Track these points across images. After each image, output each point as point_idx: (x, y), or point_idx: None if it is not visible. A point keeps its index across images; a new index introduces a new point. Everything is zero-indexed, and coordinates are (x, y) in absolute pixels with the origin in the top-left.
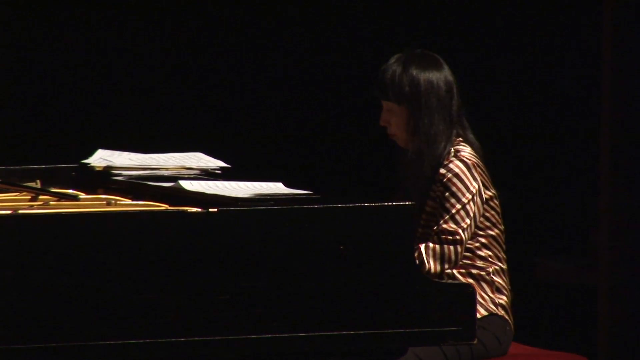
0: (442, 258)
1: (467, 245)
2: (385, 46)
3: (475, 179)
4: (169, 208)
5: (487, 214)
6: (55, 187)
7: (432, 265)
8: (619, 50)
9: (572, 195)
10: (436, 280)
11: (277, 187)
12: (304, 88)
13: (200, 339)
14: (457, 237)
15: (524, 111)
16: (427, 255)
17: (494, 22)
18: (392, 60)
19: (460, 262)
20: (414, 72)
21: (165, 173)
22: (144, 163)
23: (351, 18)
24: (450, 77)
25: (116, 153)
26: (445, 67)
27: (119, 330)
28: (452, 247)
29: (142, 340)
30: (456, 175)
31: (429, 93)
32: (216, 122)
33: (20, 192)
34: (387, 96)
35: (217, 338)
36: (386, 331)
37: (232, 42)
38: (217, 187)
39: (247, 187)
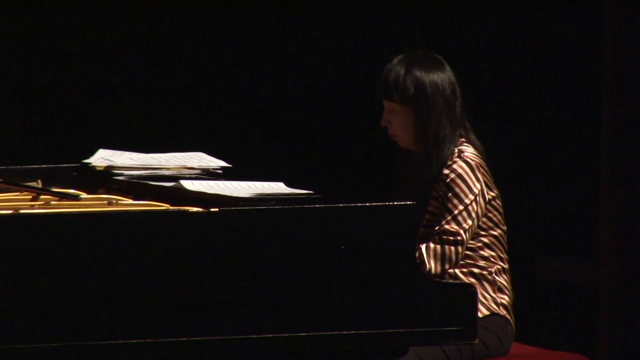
0: (442, 259)
1: (470, 245)
2: (385, 47)
3: (478, 179)
4: (170, 208)
5: (490, 214)
6: (56, 187)
7: (432, 265)
8: (620, 51)
9: (573, 195)
10: (437, 280)
11: (278, 187)
12: (305, 88)
13: (201, 338)
14: (459, 237)
15: (525, 111)
16: (428, 255)
17: (495, 23)
18: (395, 61)
19: (463, 262)
20: (419, 73)
21: (167, 173)
22: (145, 163)
23: (352, 18)
24: (453, 78)
25: (117, 153)
26: (448, 67)
27: (119, 330)
28: (452, 248)
29: (142, 340)
30: (459, 175)
31: (435, 94)
32: (217, 122)
33: (22, 191)
34: (390, 97)
35: (217, 338)
36: (387, 331)
37: (232, 42)
38: (219, 186)
39: (249, 186)
